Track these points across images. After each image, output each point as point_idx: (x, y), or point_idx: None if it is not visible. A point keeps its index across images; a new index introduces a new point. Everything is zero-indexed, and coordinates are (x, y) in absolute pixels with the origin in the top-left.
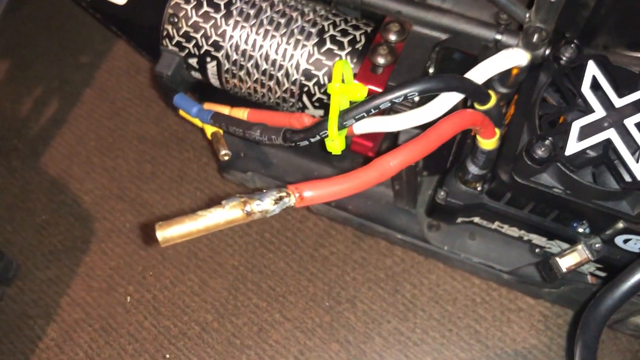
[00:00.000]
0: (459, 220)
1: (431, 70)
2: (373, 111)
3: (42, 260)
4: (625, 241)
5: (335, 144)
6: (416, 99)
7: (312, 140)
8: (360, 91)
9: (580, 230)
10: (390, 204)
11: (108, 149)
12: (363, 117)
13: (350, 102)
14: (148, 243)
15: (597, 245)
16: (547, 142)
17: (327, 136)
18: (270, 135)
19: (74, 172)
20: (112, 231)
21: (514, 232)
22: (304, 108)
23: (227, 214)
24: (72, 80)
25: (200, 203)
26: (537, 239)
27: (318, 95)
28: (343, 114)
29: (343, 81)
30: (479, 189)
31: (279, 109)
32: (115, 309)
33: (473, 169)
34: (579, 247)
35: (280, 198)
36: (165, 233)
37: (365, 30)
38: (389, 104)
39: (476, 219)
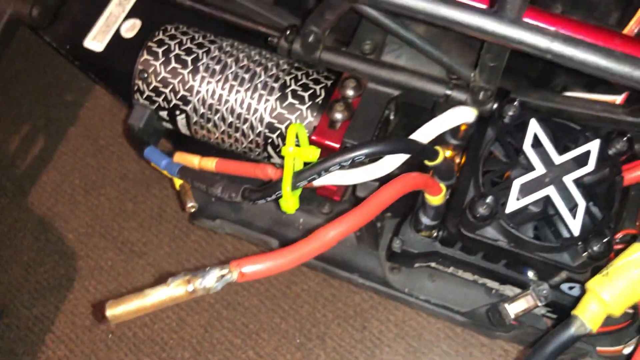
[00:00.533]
0: (417, 265)
1: (392, 117)
2: (324, 173)
3: (28, 298)
4: (570, 288)
5: (289, 203)
6: None
7: (268, 199)
8: (312, 153)
9: (531, 275)
10: (356, 246)
11: (92, 187)
12: (315, 178)
13: (305, 163)
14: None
15: (544, 292)
16: (488, 200)
17: (281, 196)
18: (231, 193)
19: (59, 210)
20: (95, 269)
21: (468, 276)
22: (269, 157)
23: (172, 292)
24: (58, 118)
25: (178, 241)
26: (490, 283)
27: (282, 146)
28: (297, 175)
29: (297, 143)
30: (434, 235)
31: (248, 156)
32: (97, 346)
33: (425, 220)
34: (528, 292)
35: (222, 276)
36: (115, 311)
37: (326, 84)
38: (338, 167)
39: (433, 264)
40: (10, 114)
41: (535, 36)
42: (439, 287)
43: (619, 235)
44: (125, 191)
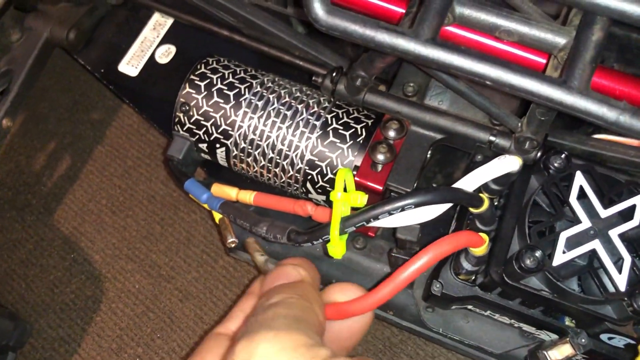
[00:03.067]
0: (453, 307)
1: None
2: (372, 220)
3: (54, 318)
4: (610, 338)
5: (337, 249)
6: None
7: (315, 243)
8: (360, 199)
9: (568, 322)
10: None
11: (119, 208)
12: (363, 225)
13: (351, 207)
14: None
15: (583, 340)
16: (536, 253)
17: (329, 241)
18: (276, 234)
19: (85, 229)
20: (122, 291)
21: (505, 320)
22: (307, 192)
23: None
24: (85, 136)
25: (206, 267)
26: (526, 327)
27: (321, 183)
28: (344, 221)
29: (345, 189)
30: (472, 279)
31: (285, 190)
32: None
33: (466, 265)
34: (567, 340)
35: None
36: None
37: (367, 123)
38: (387, 215)
39: (469, 306)
40: (36, 131)
41: (603, 108)
42: (473, 328)
43: None
44: (153, 213)
